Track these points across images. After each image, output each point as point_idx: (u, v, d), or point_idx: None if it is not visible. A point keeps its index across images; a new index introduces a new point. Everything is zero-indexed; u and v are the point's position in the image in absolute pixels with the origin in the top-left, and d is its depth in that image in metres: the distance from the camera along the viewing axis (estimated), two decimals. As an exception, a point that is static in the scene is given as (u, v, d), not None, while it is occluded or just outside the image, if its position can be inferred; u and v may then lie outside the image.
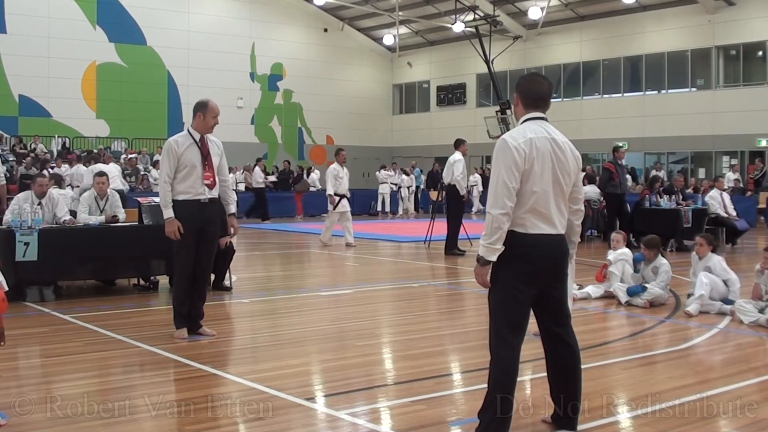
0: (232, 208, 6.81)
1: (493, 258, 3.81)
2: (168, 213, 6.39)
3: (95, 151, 23.77)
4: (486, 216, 3.84)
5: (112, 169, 15.36)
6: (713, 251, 8.14)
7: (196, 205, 6.42)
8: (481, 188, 26.46)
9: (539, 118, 4.03)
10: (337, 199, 14.47)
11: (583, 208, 4.22)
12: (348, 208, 14.79)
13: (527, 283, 3.88)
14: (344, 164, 14.77)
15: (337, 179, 14.40)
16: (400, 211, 26.63)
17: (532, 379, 5.16)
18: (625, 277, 8.56)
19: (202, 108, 6.53)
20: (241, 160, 26.53)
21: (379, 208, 26.50)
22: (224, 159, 6.72)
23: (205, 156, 6.47)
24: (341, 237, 14.80)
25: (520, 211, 3.84)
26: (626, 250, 8.84)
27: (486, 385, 3.94)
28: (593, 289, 8.77)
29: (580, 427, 4.18)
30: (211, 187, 6.49)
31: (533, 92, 4.06)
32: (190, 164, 6.40)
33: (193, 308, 6.56)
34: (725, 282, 7.86)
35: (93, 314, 7.54)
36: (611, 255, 8.75)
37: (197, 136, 6.50)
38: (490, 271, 3.87)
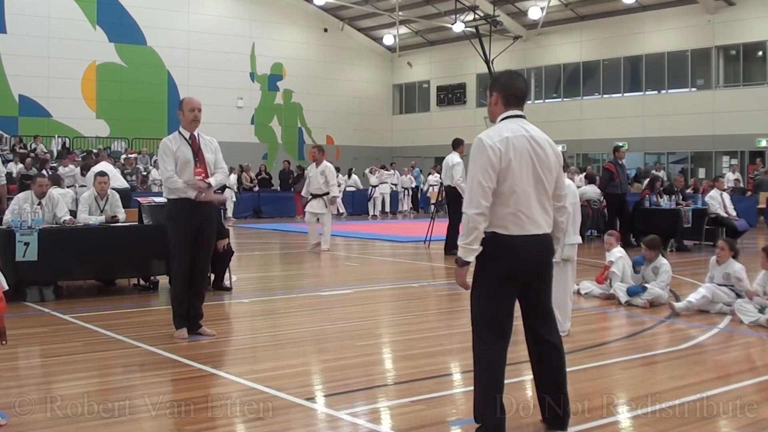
0: (212, 181, 6.56)
1: (471, 258, 3.80)
2: (181, 186, 6.41)
3: (94, 151, 23.76)
4: (462, 216, 3.82)
5: (110, 169, 15.22)
6: (734, 257, 7.92)
7: (191, 203, 6.47)
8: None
9: (518, 116, 3.97)
10: (308, 198, 13.90)
11: (567, 205, 4.18)
12: (316, 210, 13.57)
13: (510, 284, 3.87)
14: (319, 162, 13.51)
15: (306, 178, 14.09)
16: (372, 212, 25.85)
17: (532, 380, 5.15)
18: (625, 277, 8.56)
19: (179, 106, 6.72)
20: (242, 160, 26.52)
21: (379, 209, 26.45)
22: (220, 156, 6.78)
23: (196, 152, 6.55)
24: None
25: (501, 212, 3.81)
26: (621, 249, 8.84)
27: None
28: (589, 284, 8.84)
29: (580, 427, 4.18)
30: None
31: (515, 89, 4.01)
32: (183, 161, 6.50)
33: (191, 308, 6.57)
34: (738, 294, 7.69)
35: (93, 314, 7.54)
36: (611, 256, 8.75)
37: (187, 135, 6.62)
38: (468, 272, 3.86)
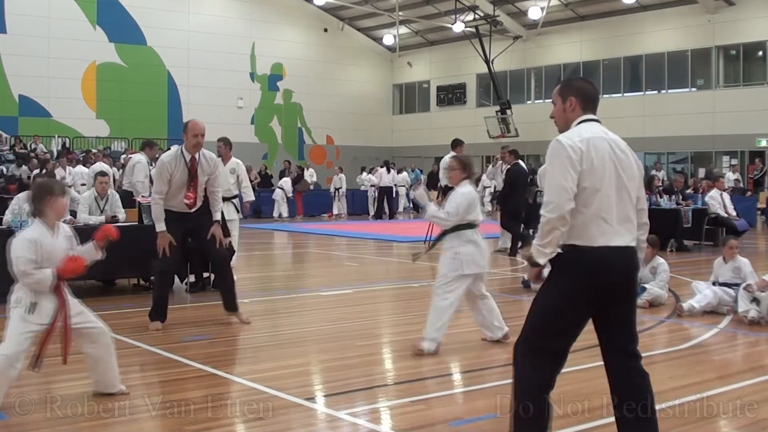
0: (216, 216, 7.04)
1: (543, 260, 3.52)
2: (160, 227, 6.70)
3: (93, 151, 23.71)
4: (541, 218, 3.52)
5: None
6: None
7: (180, 214, 6.82)
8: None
9: (594, 120, 3.72)
10: None
11: (647, 221, 3.78)
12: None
13: (582, 302, 3.57)
14: (225, 158, 9.94)
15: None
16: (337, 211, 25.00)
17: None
18: None
19: (184, 129, 6.85)
20: (241, 160, 26.40)
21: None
22: (215, 177, 6.96)
23: (192, 177, 6.72)
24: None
25: (582, 219, 3.49)
26: None
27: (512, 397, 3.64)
28: None
29: (580, 427, 4.18)
30: (190, 207, 6.80)
31: (590, 93, 3.75)
32: (178, 184, 6.72)
33: (227, 293, 7.00)
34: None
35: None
36: None
37: (188, 157, 6.76)
38: (541, 270, 3.59)
